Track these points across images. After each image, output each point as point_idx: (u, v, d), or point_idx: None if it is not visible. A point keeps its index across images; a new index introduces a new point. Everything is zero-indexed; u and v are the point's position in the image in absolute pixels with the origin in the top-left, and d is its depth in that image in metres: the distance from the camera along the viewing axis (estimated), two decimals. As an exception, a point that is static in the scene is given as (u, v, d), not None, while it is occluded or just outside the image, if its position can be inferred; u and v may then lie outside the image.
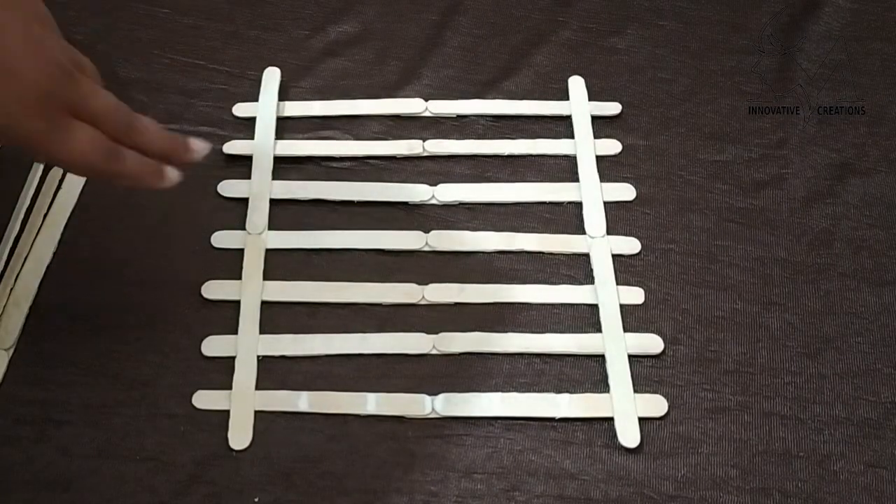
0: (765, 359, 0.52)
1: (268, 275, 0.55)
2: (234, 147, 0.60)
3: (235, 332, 0.52)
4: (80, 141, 0.43)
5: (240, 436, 0.49)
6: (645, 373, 0.52)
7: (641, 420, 0.50)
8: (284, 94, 0.63)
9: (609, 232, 0.56)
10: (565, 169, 0.60)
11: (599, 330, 0.53)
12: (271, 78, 0.63)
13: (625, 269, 0.55)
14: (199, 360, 0.51)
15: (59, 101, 0.43)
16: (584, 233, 0.57)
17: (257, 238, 0.56)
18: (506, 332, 0.53)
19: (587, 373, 0.52)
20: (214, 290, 0.54)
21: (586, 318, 0.54)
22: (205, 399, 0.50)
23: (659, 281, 0.55)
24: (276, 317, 0.53)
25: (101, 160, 0.44)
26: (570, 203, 0.58)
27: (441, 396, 0.50)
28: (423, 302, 0.54)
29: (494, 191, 0.59)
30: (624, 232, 0.57)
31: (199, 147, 0.49)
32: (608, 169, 0.59)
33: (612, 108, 0.62)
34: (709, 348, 0.53)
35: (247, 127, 0.61)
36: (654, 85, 0.64)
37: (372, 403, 0.50)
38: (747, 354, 0.53)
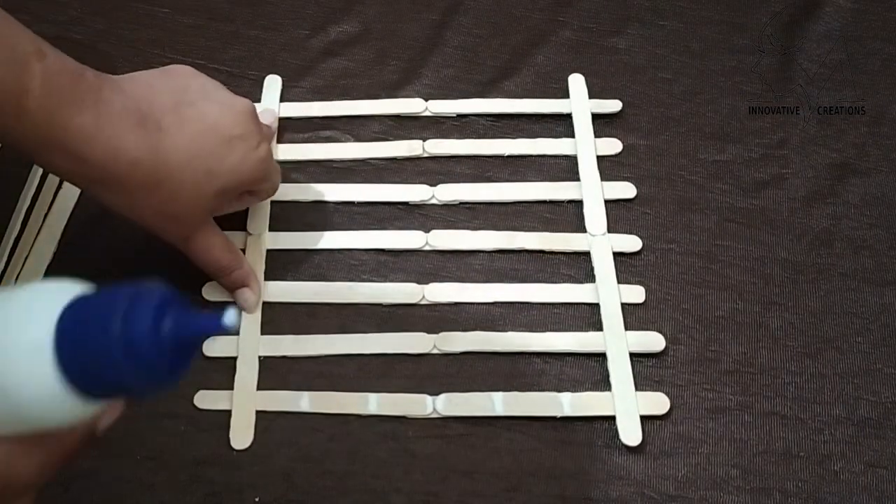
0: (765, 359, 0.52)
1: (268, 275, 0.55)
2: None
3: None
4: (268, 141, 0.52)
5: (241, 436, 0.49)
6: (645, 373, 0.52)
7: (641, 419, 0.50)
8: (284, 95, 0.63)
9: (609, 232, 0.56)
10: (566, 168, 0.60)
11: (600, 328, 0.53)
12: (273, 84, 0.63)
13: (625, 269, 0.55)
14: (200, 360, 0.51)
15: (259, 123, 0.51)
16: (584, 231, 0.56)
17: (257, 238, 0.56)
18: (506, 331, 0.53)
19: (588, 372, 0.52)
20: (215, 290, 0.54)
21: (587, 317, 0.54)
22: (207, 399, 0.50)
23: (659, 281, 0.55)
24: (276, 317, 0.53)
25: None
26: (570, 202, 0.58)
27: (442, 396, 0.50)
28: (423, 302, 0.54)
29: (494, 190, 0.58)
30: (624, 232, 0.57)
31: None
32: (609, 168, 0.59)
33: (613, 105, 0.62)
34: (709, 348, 0.53)
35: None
36: (655, 85, 0.64)
37: (373, 403, 0.50)
38: (747, 354, 0.53)
